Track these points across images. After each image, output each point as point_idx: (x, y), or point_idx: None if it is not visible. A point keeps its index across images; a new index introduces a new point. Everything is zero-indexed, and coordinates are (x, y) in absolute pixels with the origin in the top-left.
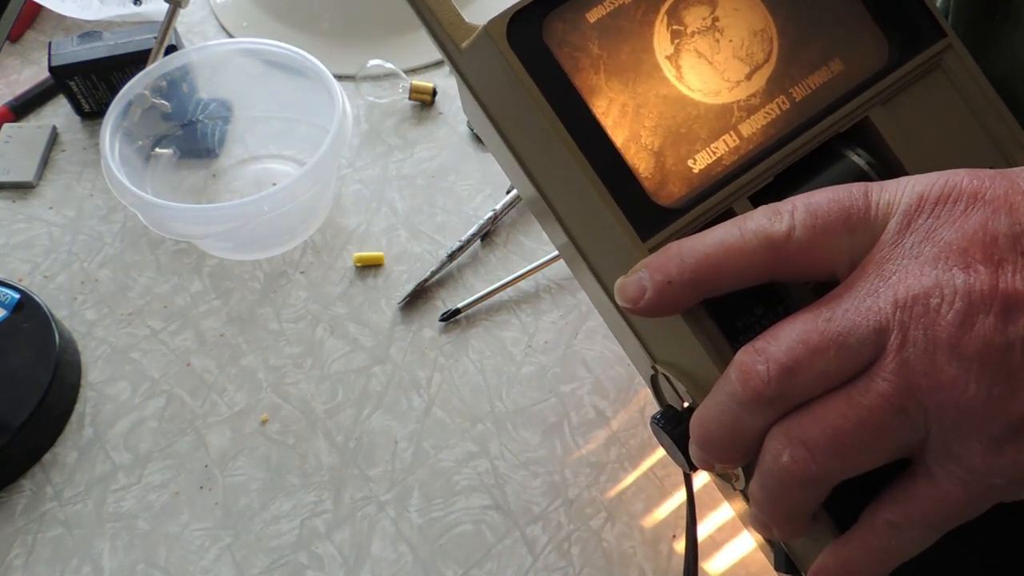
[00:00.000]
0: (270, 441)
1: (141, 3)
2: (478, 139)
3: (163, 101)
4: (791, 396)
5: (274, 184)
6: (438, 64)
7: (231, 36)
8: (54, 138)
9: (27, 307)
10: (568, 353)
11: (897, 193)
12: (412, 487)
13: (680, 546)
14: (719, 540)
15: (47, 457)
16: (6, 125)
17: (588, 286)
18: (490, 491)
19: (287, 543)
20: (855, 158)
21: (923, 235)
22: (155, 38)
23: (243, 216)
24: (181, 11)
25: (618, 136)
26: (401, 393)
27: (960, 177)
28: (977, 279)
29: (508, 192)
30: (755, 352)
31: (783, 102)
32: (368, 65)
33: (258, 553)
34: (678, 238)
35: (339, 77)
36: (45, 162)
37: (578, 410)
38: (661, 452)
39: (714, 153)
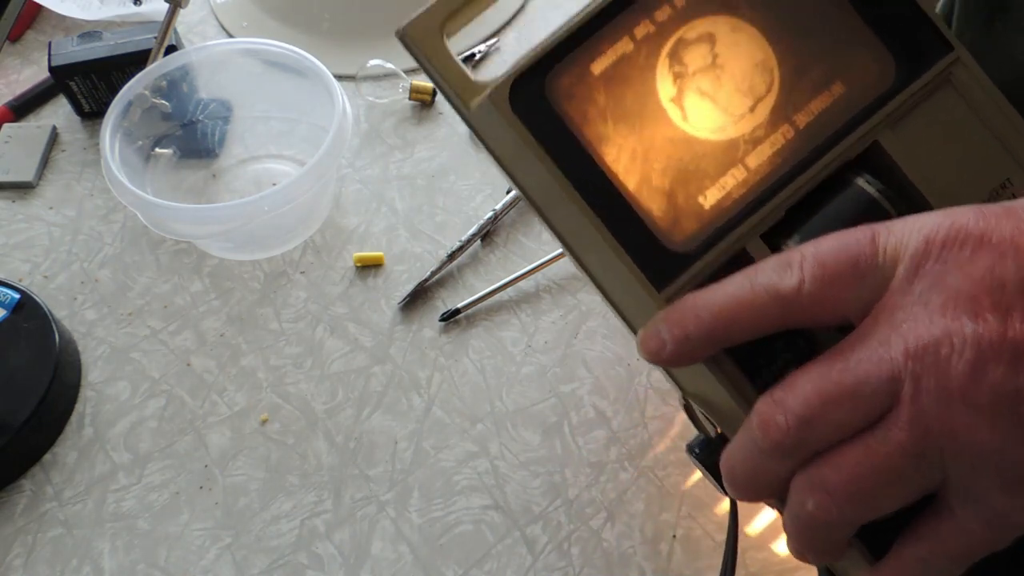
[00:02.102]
0: (270, 441)
1: (141, 3)
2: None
3: (163, 101)
4: (810, 445)
5: (274, 184)
6: None
7: (231, 36)
8: (54, 138)
9: (27, 307)
10: (568, 353)
11: (904, 237)
12: (412, 487)
13: (680, 546)
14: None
15: (47, 457)
16: (6, 125)
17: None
18: (490, 491)
19: (287, 543)
20: (866, 186)
21: (931, 281)
22: (155, 38)
23: (243, 216)
24: (181, 11)
25: (630, 181)
26: (401, 393)
27: (966, 217)
28: (986, 328)
29: (508, 192)
30: (774, 403)
31: (787, 131)
32: (368, 65)
33: (258, 553)
34: (693, 284)
35: (339, 77)
36: (45, 162)
37: (578, 410)
38: (661, 452)
39: (724, 188)
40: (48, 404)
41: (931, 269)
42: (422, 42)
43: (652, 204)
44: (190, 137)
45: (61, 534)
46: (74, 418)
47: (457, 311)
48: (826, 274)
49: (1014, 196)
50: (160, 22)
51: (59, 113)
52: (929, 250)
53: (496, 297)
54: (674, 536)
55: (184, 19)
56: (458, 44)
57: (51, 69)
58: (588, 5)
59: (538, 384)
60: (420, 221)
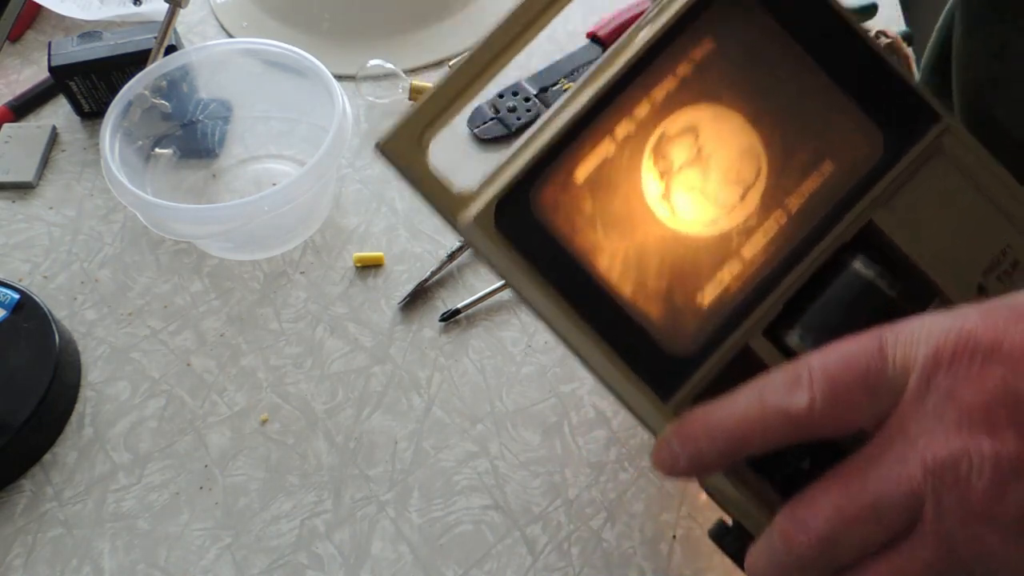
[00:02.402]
0: (270, 441)
1: (141, 3)
2: (478, 139)
3: (163, 101)
4: (835, 560)
5: (274, 184)
6: (438, 64)
7: (231, 36)
8: (54, 138)
9: (27, 307)
10: (568, 353)
11: (913, 346)
12: (412, 487)
13: (680, 546)
14: None
15: (47, 457)
16: (6, 125)
17: None
18: (490, 491)
19: (287, 543)
20: (863, 270)
21: (944, 394)
22: (155, 38)
23: (243, 216)
24: (181, 11)
25: (626, 288)
26: (401, 393)
27: (973, 323)
28: (1004, 445)
29: None
30: (795, 521)
31: (780, 216)
32: (368, 65)
33: (258, 553)
34: (699, 390)
35: (339, 77)
36: (45, 162)
37: (578, 410)
38: None
39: (721, 283)
40: (48, 404)
41: (943, 382)
42: (401, 157)
43: (650, 309)
44: (190, 137)
45: (61, 534)
46: (74, 418)
47: (457, 311)
48: (836, 391)
49: (1016, 262)
50: (160, 22)
51: (59, 113)
52: (939, 362)
53: (496, 297)
54: (674, 536)
55: (184, 19)
56: (458, 43)
57: (51, 69)
58: (565, 111)
59: (538, 384)
60: (420, 221)
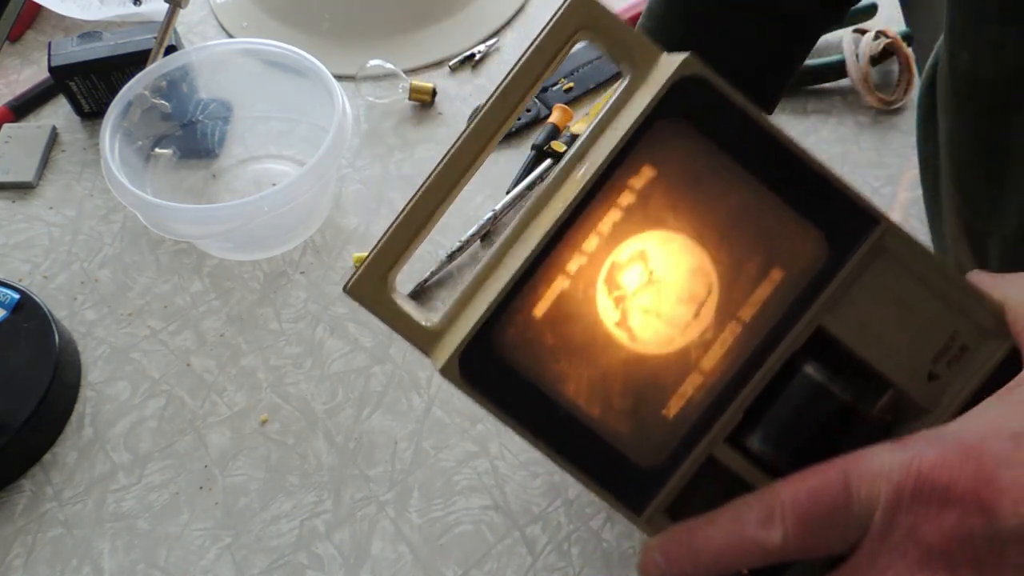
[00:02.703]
0: (270, 441)
1: (141, 3)
2: None
3: (163, 101)
4: None
5: (274, 184)
6: (438, 64)
7: (231, 36)
8: (54, 138)
9: (27, 307)
10: None
11: (875, 485)
12: (412, 487)
13: None
14: None
15: (47, 457)
16: (6, 125)
17: None
18: (490, 491)
19: (287, 543)
20: (814, 374)
21: (906, 533)
22: (155, 38)
23: (243, 216)
24: (181, 11)
25: (594, 409)
26: (401, 393)
27: (929, 465)
28: None
29: (508, 192)
30: None
31: (735, 327)
32: (368, 65)
33: (258, 553)
34: (670, 499)
35: (339, 77)
36: (45, 162)
37: None
38: None
39: (684, 396)
40: (48, 404)
41: (904, 521)
42: (369, 298)
43: (619, 427)
44: (190, 137)
45: (61, 534)
46: (74, 418)
47: None
48: (807, 526)
49: (964, 347)
50: (160, 22)
51: (59, 113)
52: (900, 501)
53: None
54: None
55: (184, 19)
56: (458, 43)
57: (51, 69)
58: (517, 249)
59: None
60: None
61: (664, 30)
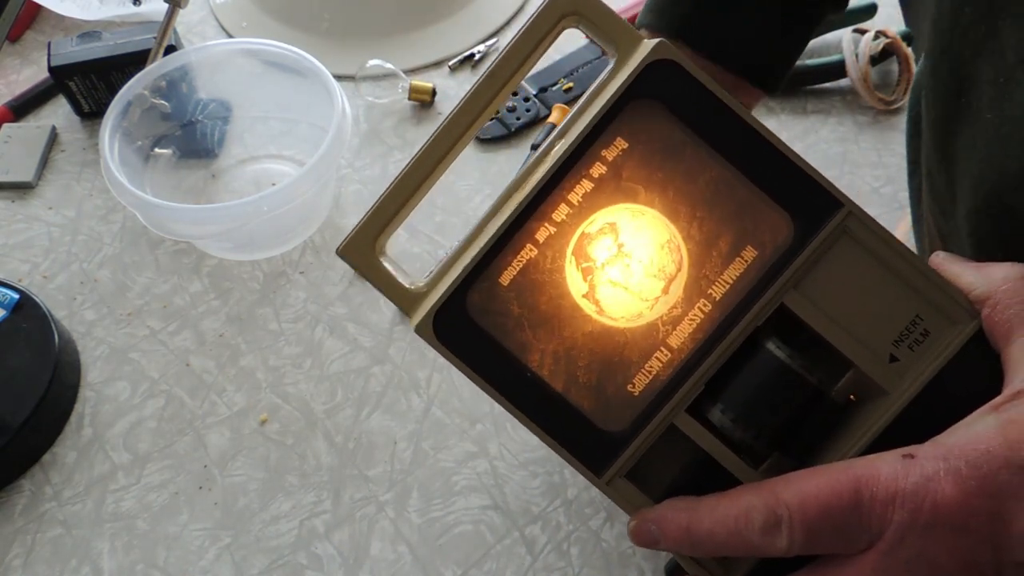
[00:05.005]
0: (269, 441)
1: (141, 3)
2: (478, 139)
3: (163, 101)
4: None
5: (274, 184)
6: (437, 64)
7: (231, 36)
8: (54, 138)
9: (27, 307)
10: None
11: (888, 510)
12: (411, 487)
13: None
14: None
15: (47, 457)
16: (6, 125)
17: None
18: (489, 491)
19: (286, 543)
20: (775, 351)
21: (917, 552)
22: (155, 38)
23: (243, 216)
24: (181, 11)
25: (557, 382)
26: (400, 393)
27: (947, 498)
28: None
29: None
30: None
31: (704, 304)
32: (368, 65)
33: (257, 553)
34: (629, 465)
35: (339, 77)
36: (45, 162)
37: None
38: None
39: (650, 372)
40: (47, 404)
41: (916, 542)
42: (359, 260)
43: (583, 400)
44: (190, 137)
45: (60, 534)
46: (73, 418)
47: None
48: (814, 537)
49: (926, 331)
50: (160, 22)
51: (59, 113)
52: (914, 526)
53: None
54: None
55: (184, 19)
56: (458, 43)
57: (51, 69)
58: (495, 219)
59: None
60: (419, 221)
61: (673, 4)
